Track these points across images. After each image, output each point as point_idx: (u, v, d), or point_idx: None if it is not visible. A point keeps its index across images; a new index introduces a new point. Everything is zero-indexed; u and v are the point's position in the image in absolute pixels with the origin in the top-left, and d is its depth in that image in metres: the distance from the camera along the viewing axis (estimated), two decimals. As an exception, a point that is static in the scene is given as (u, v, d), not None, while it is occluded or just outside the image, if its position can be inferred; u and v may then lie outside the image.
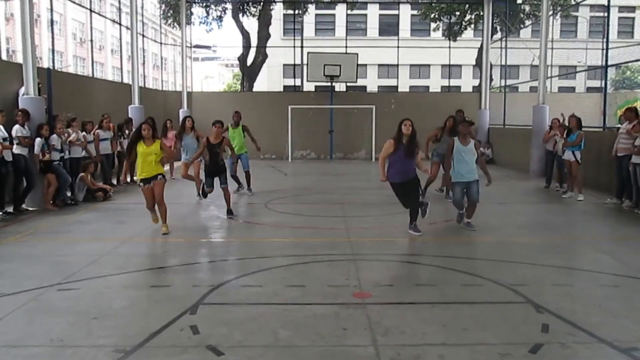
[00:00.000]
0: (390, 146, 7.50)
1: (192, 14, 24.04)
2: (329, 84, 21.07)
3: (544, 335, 4.16)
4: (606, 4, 14.45)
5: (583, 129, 10.86)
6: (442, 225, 8.22)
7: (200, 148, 9.35)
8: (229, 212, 9.14)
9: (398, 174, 7.52)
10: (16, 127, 9.41)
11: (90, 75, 18.34)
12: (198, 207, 10.24)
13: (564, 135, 11.29)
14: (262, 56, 24.96)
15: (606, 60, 13.48)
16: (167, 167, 8.44)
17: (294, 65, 23.39)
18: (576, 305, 4.83)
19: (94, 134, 11.91)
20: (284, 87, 37.02)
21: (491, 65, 20.88)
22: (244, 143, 11.77)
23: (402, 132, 7.47)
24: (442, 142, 10.06)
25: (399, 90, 25.67)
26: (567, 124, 11.31)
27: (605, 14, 15.85)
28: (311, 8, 29.82)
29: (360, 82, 28.28)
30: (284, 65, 36.46)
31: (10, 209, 9.34)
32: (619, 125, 10.88)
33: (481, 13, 22.07)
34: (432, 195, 10.39)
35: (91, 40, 19.16)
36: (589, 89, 32.86)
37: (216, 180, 9.19)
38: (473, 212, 8.12)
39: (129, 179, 13.47)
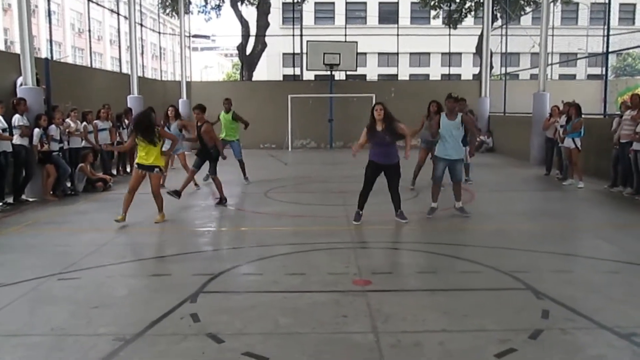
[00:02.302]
0: (365, 134, 7.49)
1: (190, 3, 23.90)
2: (329, 72, 20.98)
3: (544, 321, 4.17)
4: (607, -10, 14.37)
5: (583, 116, 10.82)
6: (442, 213, 8.20)
7: (193, 135, 9.60)
8: (223, 199, 9.20)
9: (377, 155, 7.48)
10: (16, 116, 9.38)
11: (89, 65, 18.27)
12: (197, 196, 10.23)
13: (561, 122, 11.26)
14: (261, 45, 24.85)
15: (607, 47, 13.41)
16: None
17: (294, 54, 23.28)
18: (576, 291, 4.83)
19: (92, 124, 11.88)
20: (284, 76, 36.94)
21: (491, 53, 20.77)
22: (236, 130, 11.73)
23: (374, 118, 7.42)
24: (426, 128, 10.01)
25: (399, 78, 25.58)
26: (562, 110, 11.28)
27: (606, 1, 15.74)
28: (310, -4, 29.66)
29: (360, 70, 28.18)
30: (283, 54, 36.39)
31: (10, 200, 9.34)
32: (619, 112, 10.82)
33: (481, 0, 21.93)
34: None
35: (89, 31, 19.10)
36: (590, 76, 32.76)
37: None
38: (459, 192, 8.11)
39: (128, 169, 13.46)
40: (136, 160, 7.87)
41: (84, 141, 11.34)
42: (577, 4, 35.75)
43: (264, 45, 25.00)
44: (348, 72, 23.08)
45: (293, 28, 23.19)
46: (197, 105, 9.50)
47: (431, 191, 8.09)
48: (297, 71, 23.81)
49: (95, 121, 12.03)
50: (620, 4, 40.05)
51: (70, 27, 40.97)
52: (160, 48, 26.43)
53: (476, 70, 30.59)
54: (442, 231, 7.37)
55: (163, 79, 26.24)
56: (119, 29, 20.26)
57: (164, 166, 11.02)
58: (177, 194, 8.99)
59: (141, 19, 20.65)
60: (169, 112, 11.26)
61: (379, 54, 43.18)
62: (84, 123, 11.48)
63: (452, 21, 24.84)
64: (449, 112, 7.89)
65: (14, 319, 4.33)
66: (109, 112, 12.58)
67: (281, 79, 35.10)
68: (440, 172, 7.96)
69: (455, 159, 7.87)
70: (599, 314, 4.28)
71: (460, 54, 37.39)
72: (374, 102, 19.53)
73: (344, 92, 20.84)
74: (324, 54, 20.33)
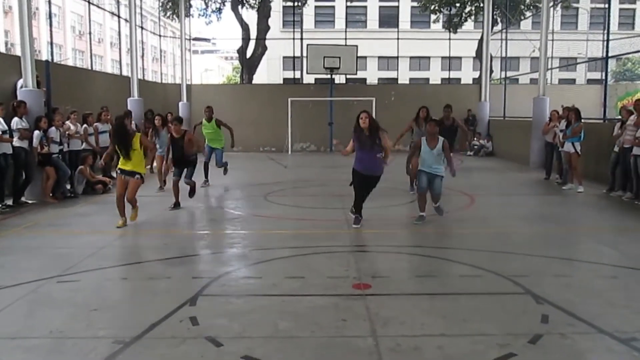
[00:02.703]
0: (351, 140, 7.48)
1: (191, 6, 23.93)
2: (329, 76, 21.01)
3: (543, 326, 4.16)
4: (607, -5, 14.40)
5: (583, 120, 10.82)
6: (442, 218, 8.19)
7: (166, 144, 9.66)
8: (190, 193, 9.34)
9: (360, 163, 7.46)
10: (15, 119, 9.38)
11: (89, 68, 18.29)
12: (195, 199, 10.21)
13: (561, 127, 11.26)
14: (261, 48, 24.89)
15: (607, 52, 13.42)
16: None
17: (294, 57, 23.32)
18: (576, 296, 4.82)
19: (93, 126, 11.87)
20: (284, 79, 36.95)
21: (491, 57, 20.80)
22: (219, 138, 11.68)
23: (359, 125, 7.36)
24: (415, 133, 10.00)
25: (399, 82, 25.60)
26: (562, 115, 11.28)
27: (606, 5, 15.77)
28: (310, 0, 29.67)
29: (360, 74, 28.21)
30: (283, 57, 36.41)
31: (10, 202, 9.33)
32: (619, 117, 10.82)
33: (481, 4, 21.98)
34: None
35: (90, 33, 19.12)
36: (590, 81, 32.80)
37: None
38: (438, 200, 8.09)
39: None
40: (118, 166, 7.87)
41: (83, 143, 11.34)
42: (577, 8, 35.85)
43: (265, 48, 25.03)
44: (348, 76, 23.11)
45: (293, 31, 23.23)
46: (174, 117, 9.60)
47: (417, 203, 8.07)
48: (298, 74, 23.84)
49: (95, 124, 12.02)
50: (620, 9, 40.15)
51: (70, 29, 41.00)
52: (160, 51, 26.46)
53: (476, 74, 30.65)
54: (442, 235, 7.37)
55: (163, 81, 26.27)
56: (119, 32, 20.27)
57: (160, 171, 11.07)
58: (176, 205, 9.09)
59: (142, 22, 20.68)
60: (155, 122, 11.25)
61: (379, 57, 43.26)
62: (84, 125, 11.48)
63: (452, 25, 24.88)
64: (430, 138, 7.82)
65: (13, 321, 4.32)
66: (108, 114, 12.58)
67: (281, 82, 35.11)
68: (424, 184, 7.94)
69: (435, 174, 7.85)
70: (598, 318, 4.27)
71: (460, 58, 37.44)
72: (374, 105, 19.66)
73: (344, 95, 20.85)
74: (324, 57, 20.35)
